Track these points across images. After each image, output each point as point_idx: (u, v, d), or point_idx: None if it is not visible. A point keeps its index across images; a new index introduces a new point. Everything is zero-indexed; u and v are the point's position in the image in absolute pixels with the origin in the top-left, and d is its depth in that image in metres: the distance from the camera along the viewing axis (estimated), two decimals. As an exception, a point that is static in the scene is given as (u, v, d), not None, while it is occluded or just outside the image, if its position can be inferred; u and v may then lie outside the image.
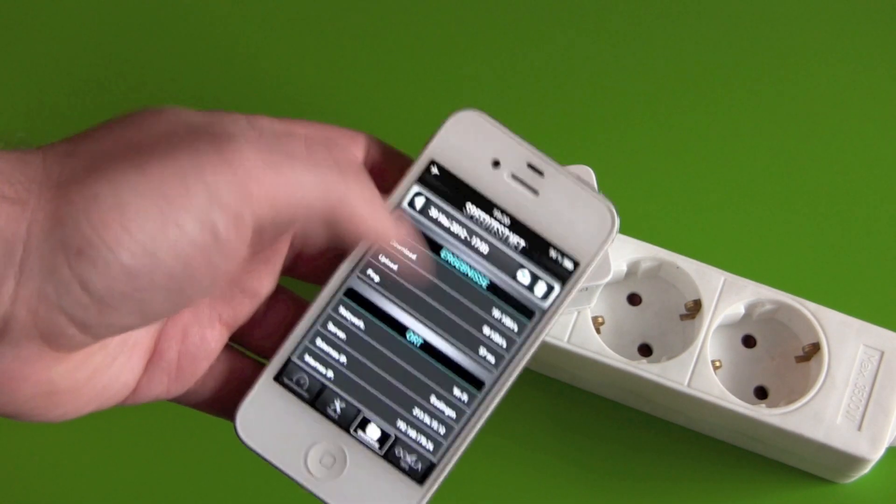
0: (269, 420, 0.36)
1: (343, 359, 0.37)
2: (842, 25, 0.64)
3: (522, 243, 0.37)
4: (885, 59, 0.63)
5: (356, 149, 0.37)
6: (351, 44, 0.65)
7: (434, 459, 0.36)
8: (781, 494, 0.54)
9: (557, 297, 0.37)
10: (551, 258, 0.37)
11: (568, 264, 0.37)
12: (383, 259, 0.37)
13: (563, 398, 0.56)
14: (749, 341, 0.54)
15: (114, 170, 0.30)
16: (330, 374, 0.37)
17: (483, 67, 0.64)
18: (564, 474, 0.55)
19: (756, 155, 0.61)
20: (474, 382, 0.37)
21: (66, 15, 0.67)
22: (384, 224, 0.35)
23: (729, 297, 0.52)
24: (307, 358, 0.37)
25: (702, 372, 0.51)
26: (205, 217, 0.30)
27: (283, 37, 0.66)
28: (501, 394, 0.37)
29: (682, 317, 0.54)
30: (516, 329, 0.37)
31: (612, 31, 0.65)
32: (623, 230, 0.53)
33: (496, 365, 0.37)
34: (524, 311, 0.37)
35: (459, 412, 0.37)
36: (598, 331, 0.52)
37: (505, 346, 0.37)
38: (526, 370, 0.56)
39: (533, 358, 0.37)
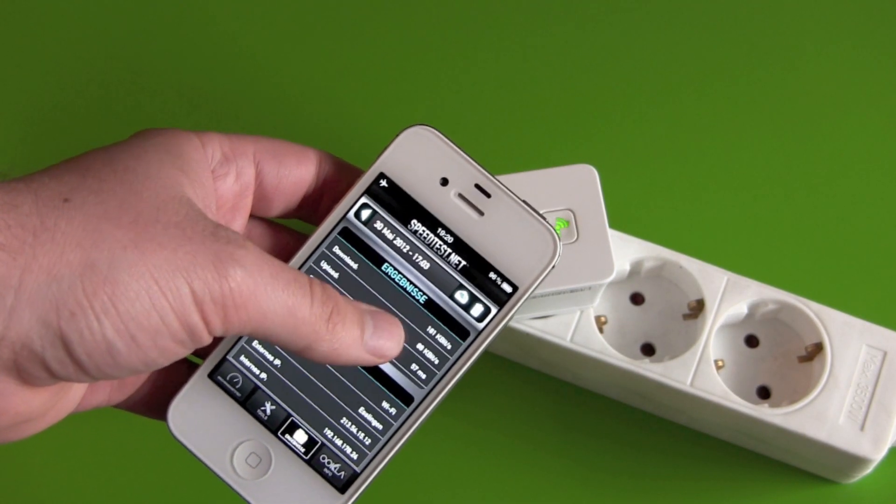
0: (200, 416, 0.37)
1: (277, 362, 0.37)
2: (846, 25, 0.64)
3: (463, 263, 0.38)
4: (888, 61, 0.63)
5: (308, 163, 0.38)
6: (353, 42, 0.65)
7: (357, 469, 0.37)
8: (784, 494, 0.54)
9: (493, 319, 0.37)
10: (491, 280, 0.37)
11: (507, 287, 0.37)
12: (324, 267, 0.38)
13: (565, 397, 0.56)
14: (752, 341, 0.54)
15: (113, 241, 0.31)
16: (263, 375, 0.37)
17: (485, 66, 0.64)
18: (566, 473, 0.55)
19: (759, 155, 0.61)
20: (403, 397, 0.37)
21: (68, 13, 0.67)
22: (349, 361, 0.36)
23: (732, 297, 0.52)
24: (242, 358, 0.37)
25: (704, 371, 0.51)
26: (185, 320, 0.32)
27: (282, 35, 0.66)
28: (429, 410, 0.37)
29: (685, 316, 0.54)
30: (450, 347, 0.37)
31: (615, 28, 0.65)
32: (626, 229, 0.53)
33: (426, 381, 0.37)
34: (459, 330, 0.37)
35: (386, 425, 0.37)
36: (600, 330, 0.52)
37: (437, 363, 0.37)
38: (527, 368, 0.57)
39: (464, 376, 0.37)
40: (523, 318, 0.52)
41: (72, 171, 0.33)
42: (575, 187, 0.49)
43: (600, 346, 0.52)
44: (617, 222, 0.51)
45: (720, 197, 0.60)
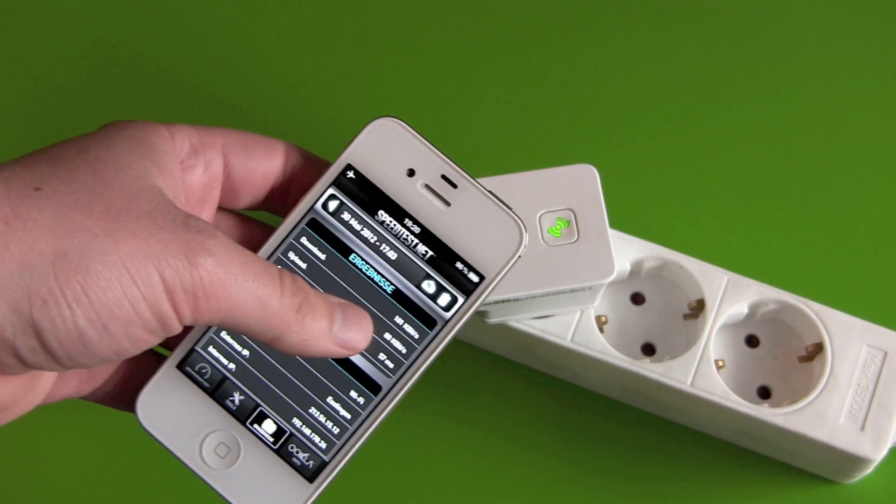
0: (169, 406, 0.37)
1: (245, 353, 0.38)
2: (846, 26, 0.64)
3: (430, 253, 0.38)
4: (887, 62, 0.63)
5: (276, 155, 0.39)
6: (353, 42, 0.65)
7: (326, 458, 0.37)
8: (784, 494, 0.54)
9: (460, 308, 0.38)
10: (457, 270, 0.38)
11: (473, 277, 0.38)
12: (292, 257, 0.38)
13: (565, 397, 0.56)
14: (752, 341, 0.54)
15: (85, 231, 0.31)
16: (232, 366, 0.38)
17: (488, 67, 0.64)
18: (566, 473, 0.55)
19: (759, 155, 0.61)
20: (371, 386, 0.38)
21: (54, 7, 0.67)
22: (318, 352, 0.36)
23: (732, 297, 0.52)
24: (211, 349, 0.38)
25: (705, 371, 0.51)
26: (155, 308, 0.32)
27: (272, 32, 0.66)
28: (397, 399, 0.37)
29: (686, 316, 0.54)
30: (417, 337, 0.38)
31: (617, 30, 0.65)
32: (627, 229, 0.53)
33: (394, 371, 0.38)
34: (426, 320, 0.38)
35: (355, 414, 0.37)
36: (601, 330, 0.52)
37: (405, 352, 0.38)
38: (528, 369, 0.57)
39: (431, 366, 0.38)
40: (523, 318, 0.52)
41: (43, 161, 0.33)
42: (575, 187, 0.49)
43: (601, 346, 0.52)
44: (617, 222, 0.51)
45: (720, 197, 0.60)
